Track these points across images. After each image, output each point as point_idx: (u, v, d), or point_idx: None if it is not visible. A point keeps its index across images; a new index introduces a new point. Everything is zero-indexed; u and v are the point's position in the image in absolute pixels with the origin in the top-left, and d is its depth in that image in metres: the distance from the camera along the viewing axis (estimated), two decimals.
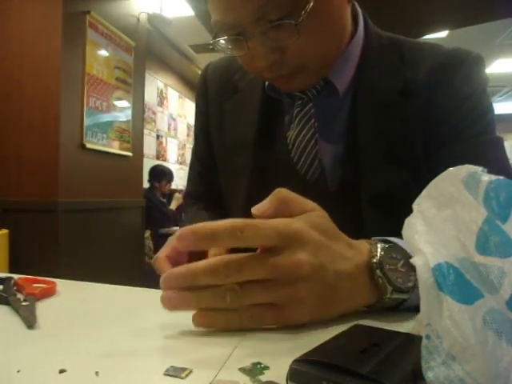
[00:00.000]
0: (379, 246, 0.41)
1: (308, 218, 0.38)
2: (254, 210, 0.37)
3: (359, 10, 0.64)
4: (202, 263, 0.35)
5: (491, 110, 0.61)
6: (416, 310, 0.41)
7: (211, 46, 0.56)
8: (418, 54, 0.62)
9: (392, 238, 0.43)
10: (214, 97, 0.75)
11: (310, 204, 0.40)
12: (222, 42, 0.55)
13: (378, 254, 0.40)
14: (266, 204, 0.38)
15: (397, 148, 0.58)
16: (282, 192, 0.38)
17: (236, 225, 0.34)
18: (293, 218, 0.37)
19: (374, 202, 0.57)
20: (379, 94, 0.59)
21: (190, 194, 0.84)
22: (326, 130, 0.62)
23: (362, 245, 0.41)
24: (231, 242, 0.34)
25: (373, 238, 0.44)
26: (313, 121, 0.62)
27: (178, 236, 0.34)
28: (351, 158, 0.60)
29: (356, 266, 0.39)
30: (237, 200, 0.67)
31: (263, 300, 0.35)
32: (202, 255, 0.40)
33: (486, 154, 0.57)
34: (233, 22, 0.51)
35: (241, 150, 0.67)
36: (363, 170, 0.58)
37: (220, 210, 0.73)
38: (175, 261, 0.46)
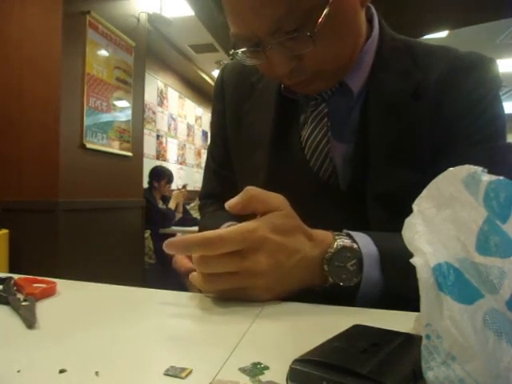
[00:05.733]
0: (338, 242, 0.47)
1: (270, 219, 0.45)
2: (226, 205, 0.46)
3: (374, 12, 0.65)
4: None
5: (503, 115, 0.60)
6: (372, 305, 0.43)
7: (231, 58, 0.59)
8: (431, 57, 0.62)
9: (358, 236, 0.48)
10: (230, 98, 0.76)
11: (274, 203, 0.46)
12: (241, 52, 0.57)
13: (333, 251, 0.46)
14: (235, 200, 0.46)
15: (405, 149, 0.59)
16: (250, 190, 0.45)
17: (202, 238, 0.41)
18: (257, 219, 0.45)
19: (380, 201, 0.58)
20: (390, 96, 0.60)
21: (206, 194, 0.85)
22: (338, 129, 0.63)
23: (324, 238, 0.48)
24: (202, 251, 0.43)
25: (344, 231, 0.50)
26: (326, 119, 0.63)
27: (165, 245, 0.42)
28: (360, 157, 0.61)
29: (309, 257, 0.46)
30: None
31: (230, 286, 0.44)
32: None
33: (495, 159, 0.57)
34: (250, 34, 0.53)
35: (257, 149, 0.69)
36: (371, 170, 0.59)
37: None
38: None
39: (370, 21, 0.64)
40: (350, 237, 0.48)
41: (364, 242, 0.48)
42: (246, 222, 0.44)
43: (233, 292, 0.45)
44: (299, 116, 0.67)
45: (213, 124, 0.82)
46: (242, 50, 0.56)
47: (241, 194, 0.45)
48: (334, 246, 0.47)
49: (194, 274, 0.47)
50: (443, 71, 0.60)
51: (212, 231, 0.42)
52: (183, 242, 0.42)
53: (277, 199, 0.46)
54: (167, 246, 0.42)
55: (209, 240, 0.42)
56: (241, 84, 0.75)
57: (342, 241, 0.47)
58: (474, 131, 0.58)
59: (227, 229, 0.43)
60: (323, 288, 0.47)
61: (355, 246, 0.47)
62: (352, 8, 0.54)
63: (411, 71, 0.61)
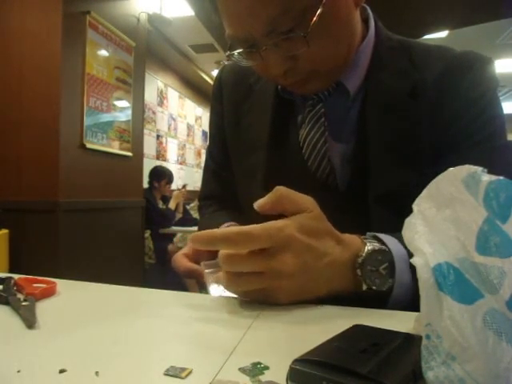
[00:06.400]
0: (368, 247, 0.46)
1: (299, 219, 0.43)
2: (255, 204, 0.45)
3: (370, 13, 0.65)
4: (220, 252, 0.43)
5: (502, 113, 0.60)
6: (403, 308, 0.42)
7: (227, 59, 0.59)
8: (428, 56, 0.62)
9: (386, 238, 0.47)
10: (228, 98, 0.77)
11: (304, 203, 0.45)
12: (236, 54, 0.57)
13: (364, 255, 0.45)
14: (265, 200, 0.44)
15: (405, 149, 0.59)
16: (279, 190, 0.44)
17: (229, 234, 0.40)
18: (285, 219, 0.43)
19: (381, 201, 0.58)
20: (388, 95, 0.60)
21: (205, 195, 0.85)
22: (335, 130, 0.63)
23: (353, 242, 0.47)
24: (226, 248, 0.41)
25: (368, 234, 0.49)
26: (323, 120, 0.63)
27: (191, 239, 0.42)
28: (360, 157, 0.61)
29: (339, 261, 0.45)
30: (252, 199, 0.68)
31: (256, 287, 0.43)
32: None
33: (497, 159, 0.56)
34: (245, 35, 0.54)
35: (255, 149, 0.69)
36: (371, 170, 0.59)
37: (237, 209, 0.75)
38: (193, 258, 0.57)
39: (365, 21, 0.64)
40: (379, 239, 0.47)
41: (393, 244, 0.46)
42: (274, 221, 0.43)
43: (256, 293, 0.44)
44: (297, 116, 0.67)
45: (211, 125, 0.83)
46: (238, 51, 0.56)
47: (270, 193, 0.44)
48: (365, 249, 0.45)
49: (220, 274, 0.46)
50: (441, 70, 0.60)
51: (239, 227, 0.41)
52: (209, 237, 0.41)
53: (307, 200, 0.45)
54: (193, 240, 0.42)
55: (235, 236, 0.40)
56: (239, 85, 0.75)
57: (371, 244, 0.46)
58: (473, 131, 0.58)
59: (254, 226, 0.41)
60: (353, 294, 0.46)
61: (385, 248, 0.46)
62: (346, 8, 0.54)
63: (408, 71, 0.61)
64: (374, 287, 0.45)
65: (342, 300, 0.45)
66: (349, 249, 0.46)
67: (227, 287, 0.45)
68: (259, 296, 0.44)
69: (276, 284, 0.42)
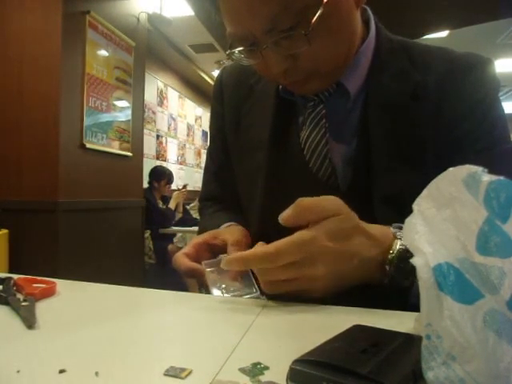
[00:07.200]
0: (399, 244, 0.47)
1: (325, 226, 0.44)
2: (280, 218, 0.45)
3: (371, 14, 0.65)
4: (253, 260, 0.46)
5: (504, 114, 0.61)
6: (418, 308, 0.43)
7: (227, 58, 0.60)
8: (429, 57, 0.62)
9: None
10: (229, 99, 0.77)
11: (330, 209, 0.45)
12: (237, 52, 0.57)
13: (394, 252, 0.46)
14: (287, 214, 0.45)
15: (407, 149, 0.59)
16: (301, 202, 0.45)
17: (260, 254, 0.43)
18: (312, 228, 0.44)
19: (385, 201, 0.58)
20: (390, 97, 0.60)
21: (205, 196, 0.85)
22: (336, 131, 0.63)
23: (385, 238, 0.48)
24: (262, 266, 0.44)
25: (394, 225, 0.49)
26: (324, 121, 0.63)
27: (225, 263, 0.45)
28: (362, 158, 0.61)
29: (367, 258, 0.46)
30: (253, 199, 0.68)
31: (292, 289, 0.46)
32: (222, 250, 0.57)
33: (502, 162, 0.56)
34: (246, 33, 0.54)
35: (256, 150, 0.69)
36: (374, 171, 0.59)
37: (237, 210, 0.75)
38: (194, 257, 0.58)
39: (366, 22, 0.64)
40: None
41: None
42: (302, 232, 0.44)
43: (291, 292, 0.46)
44: (298, 117, 0.67)
45: (212, 126, 0.82)
46: (239, 49, 0.57)
47: (292, 206, 0.45)
48: (396, 246, 0.47)
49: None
50: (442, 72, 0.60)
51: (269, 245, 0.43)
52: (243, 259, 0.44)
53: (332, 205, 0.46)
54: (228, 264, 0.45)
55: (267, 255, 0.43)
56: (240, 86, 0.75)
57: (402, 242, 0.47)
58: (478, 137, 0.58)
59: (284, 241, 0.43)
60: (379, 285, 0.48)
61: None
62: (347, 7, 0.55)
63: (409, 72, 0.61)
64: (404, 284, 0.46)
65: (343, 300, 0.45)
66: (379, 245, 0.47)
67: (264, 290, 0.47)
68: (292, 294, 0.46)
69: (309, 285, 0.45)
